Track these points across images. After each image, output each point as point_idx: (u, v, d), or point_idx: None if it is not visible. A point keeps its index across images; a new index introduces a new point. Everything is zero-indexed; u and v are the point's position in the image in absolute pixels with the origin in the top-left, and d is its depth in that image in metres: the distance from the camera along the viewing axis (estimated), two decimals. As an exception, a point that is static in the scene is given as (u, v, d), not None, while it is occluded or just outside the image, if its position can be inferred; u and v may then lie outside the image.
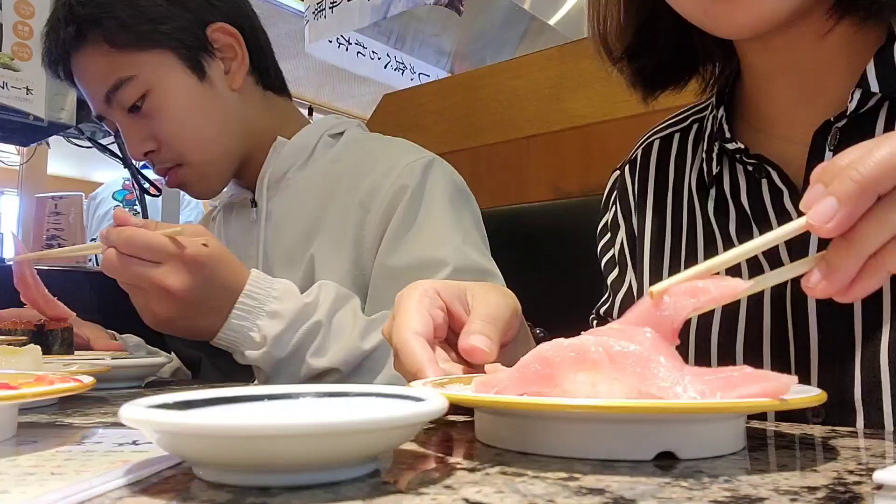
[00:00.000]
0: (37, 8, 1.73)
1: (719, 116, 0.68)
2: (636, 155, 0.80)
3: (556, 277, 0.92)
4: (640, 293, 0.76)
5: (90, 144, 1.97)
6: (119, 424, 0.46)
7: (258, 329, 0.79)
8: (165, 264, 0.74)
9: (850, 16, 0.57)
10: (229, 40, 1.01)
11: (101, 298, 1.34)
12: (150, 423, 0.30)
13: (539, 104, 1.44)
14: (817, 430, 0.45)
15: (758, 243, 0.42)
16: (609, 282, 0.80)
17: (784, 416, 0.57)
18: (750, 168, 0.65)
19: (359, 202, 0.94)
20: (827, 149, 0.59)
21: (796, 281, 0.58)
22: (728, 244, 0.65)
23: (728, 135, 0.66)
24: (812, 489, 0.29)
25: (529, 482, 0.30)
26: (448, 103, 1.59)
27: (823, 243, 0.42)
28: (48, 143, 2.31)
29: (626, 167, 0.81)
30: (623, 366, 0.37)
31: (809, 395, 0.38)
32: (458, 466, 0.34)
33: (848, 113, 0.57)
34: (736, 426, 0.39)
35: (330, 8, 2.34)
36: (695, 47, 0.71)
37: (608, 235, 0.81)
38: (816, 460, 0.36)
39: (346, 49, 3.60)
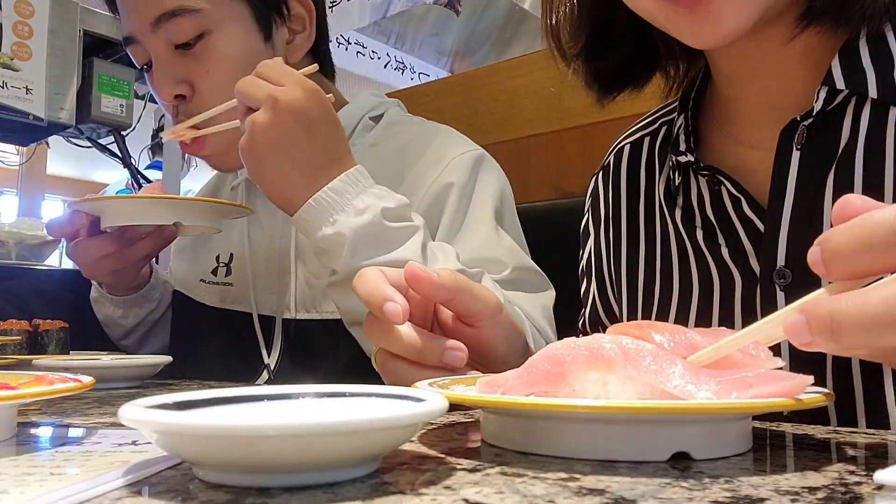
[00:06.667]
0: (37, 8, 1.72)
1: (678, 125, 0.67)
2: (609, 161, 0.79)
3: (556, 277, 0.92)
4: (605, 307, 0.75)
5: (90, 144, 1.96)
6: (118, 424, 0.46)
7: (363, 200, 0.73)
8: (286, 84, 0.72)
9: (817, 24, 0.57)
10: (303, 13, 0.97)
11: (76, 298, 1.25)
12: (149, 423, 0.30)
13: (539, 104, 1.44)
14: (818, 431, 0.45)
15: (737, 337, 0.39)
16: (582, 293, 0.79)
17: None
18: (705, 179, 0.64)
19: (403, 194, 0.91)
20: (794, 148, 0.58)
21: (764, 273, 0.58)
22: (698, 254, 0.65)
23: (683, 146, 0.65)
24: (812, 489, 0.29)
25: (530, 483, 0.30)
26: (448, 103, 1.59)
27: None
28: (48, 143, 2.31)
29: (600, 174, 0.79)
30: (639, 363, 0.37)
31: (818, 394, 0.37)
32: (459, 467, 0.34)
33: (815, 111, 0.57)
34: (747, 425, 0.39)
35: (329, 7, 2.34)
36: (656, 47, 0.69)
37: (581, 245, 0.80)
38: (817, 460, 0.36)
39: (346, 48, 3.61)
